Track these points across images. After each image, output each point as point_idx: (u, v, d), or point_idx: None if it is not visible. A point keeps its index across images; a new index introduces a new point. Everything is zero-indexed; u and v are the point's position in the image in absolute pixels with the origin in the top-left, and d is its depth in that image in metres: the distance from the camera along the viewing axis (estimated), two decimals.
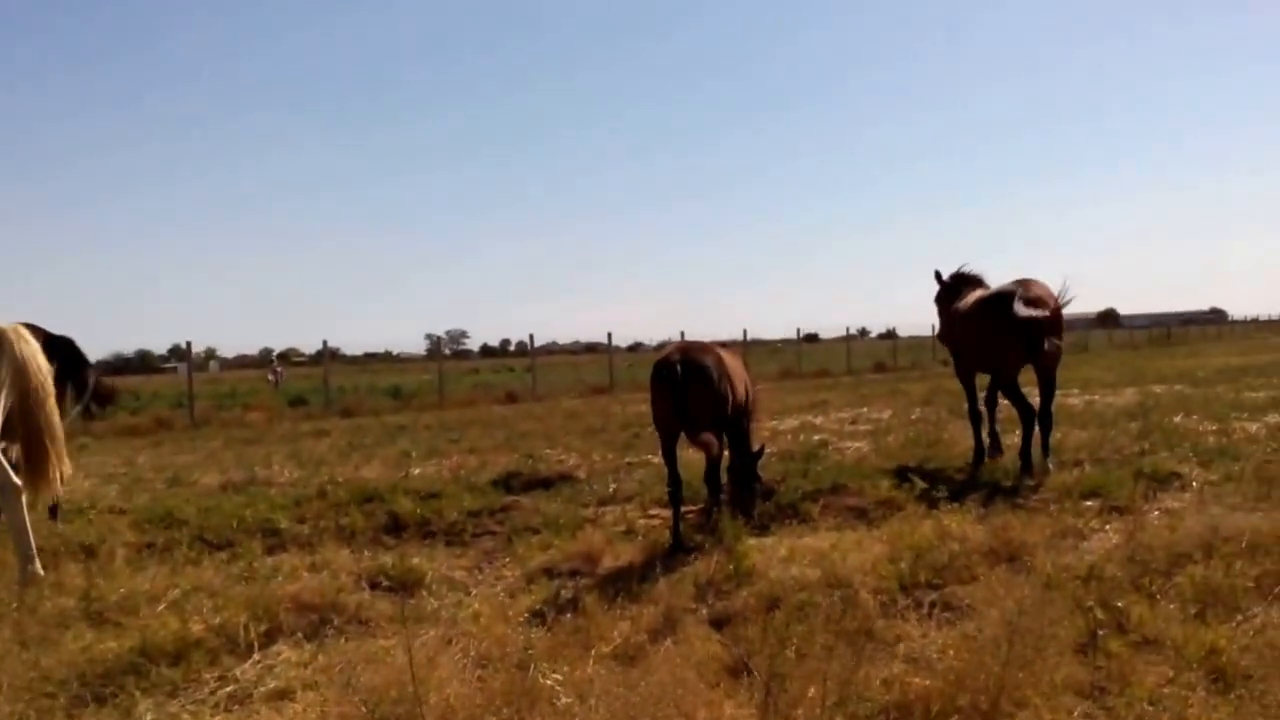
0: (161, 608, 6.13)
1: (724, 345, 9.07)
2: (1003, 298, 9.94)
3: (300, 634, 5.66)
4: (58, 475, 7.09)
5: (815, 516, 8.44)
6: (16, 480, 7.01)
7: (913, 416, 16.71)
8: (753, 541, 7.34)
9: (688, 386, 7.71)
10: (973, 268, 11.53)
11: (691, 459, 8.80)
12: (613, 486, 10.38)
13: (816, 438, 14.11)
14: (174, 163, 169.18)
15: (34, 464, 6.99)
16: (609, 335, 37.76)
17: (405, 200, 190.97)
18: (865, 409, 18.77)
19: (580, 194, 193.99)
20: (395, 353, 74.45)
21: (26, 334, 7.14)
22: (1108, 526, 7.53)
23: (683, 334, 36.81)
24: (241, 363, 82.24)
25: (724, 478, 8.49)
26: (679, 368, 7.75)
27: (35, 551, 7.01)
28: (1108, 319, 67.54)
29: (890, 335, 60.95)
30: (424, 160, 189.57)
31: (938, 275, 11.73)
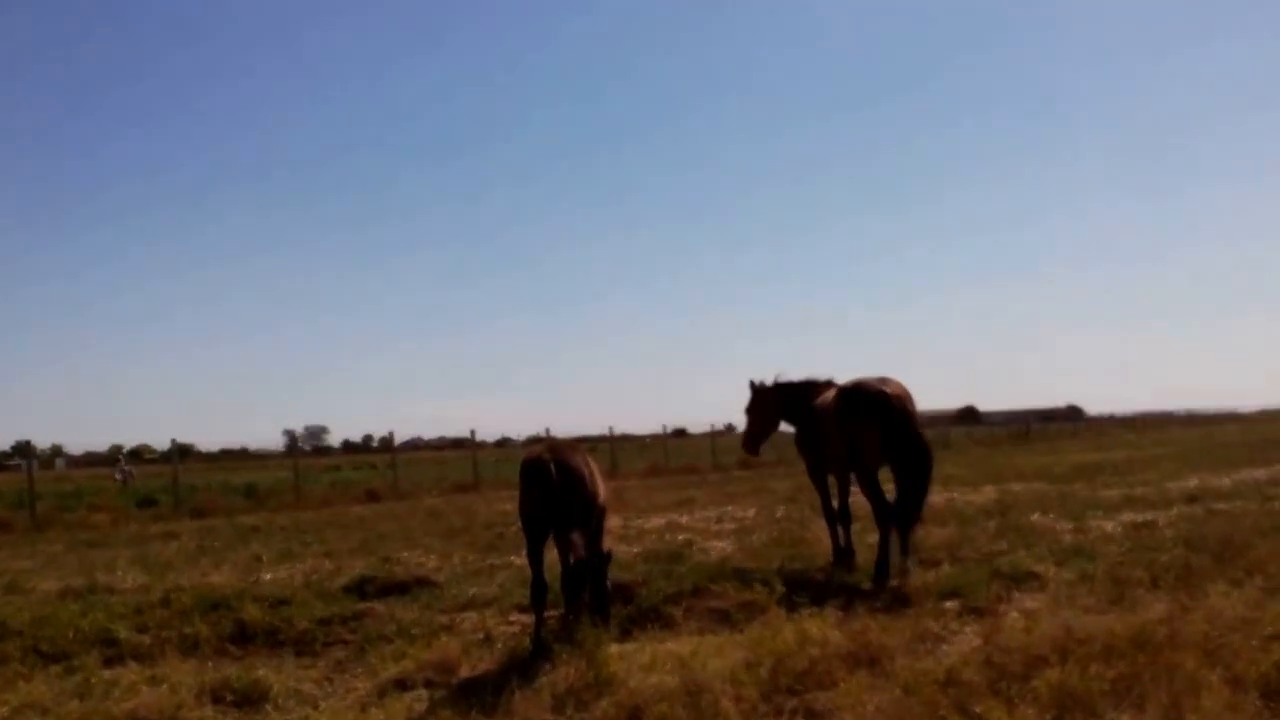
0: None
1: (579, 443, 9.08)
2: (864, 386, 10.09)
3: None
4: None
5: (678, 620, 8.34)
6: None
7: (777, 515, 16.75)
8: (614, 648, 7.23)
9: (560, 487, 7.66)
10: (793, 375, 11.61)
11: (552, 561, 8.67)
12: (472, 591, 10.15)
13: (681, 537, 14.09)
14: (20, 246, 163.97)
15: None
16: (472, 431, 37.43)
17: (263, 291, 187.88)
18: (730, 507, 18.81)
19: (446, 289, 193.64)
20: (252, 449, 72.48)
21: None
22: (966, 628, 7.61)
23: (548, 430, 36.91)
24: (90, 460, 78.91)
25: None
26: (552, 467, 7.69)
27: None
28: (968, 415, 69.53)
29: None
30: (281, 251, 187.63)
31: (753, 385, 11.83)
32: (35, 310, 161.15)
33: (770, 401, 11.69)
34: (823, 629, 7.29)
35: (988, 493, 19.64)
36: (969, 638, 7.27)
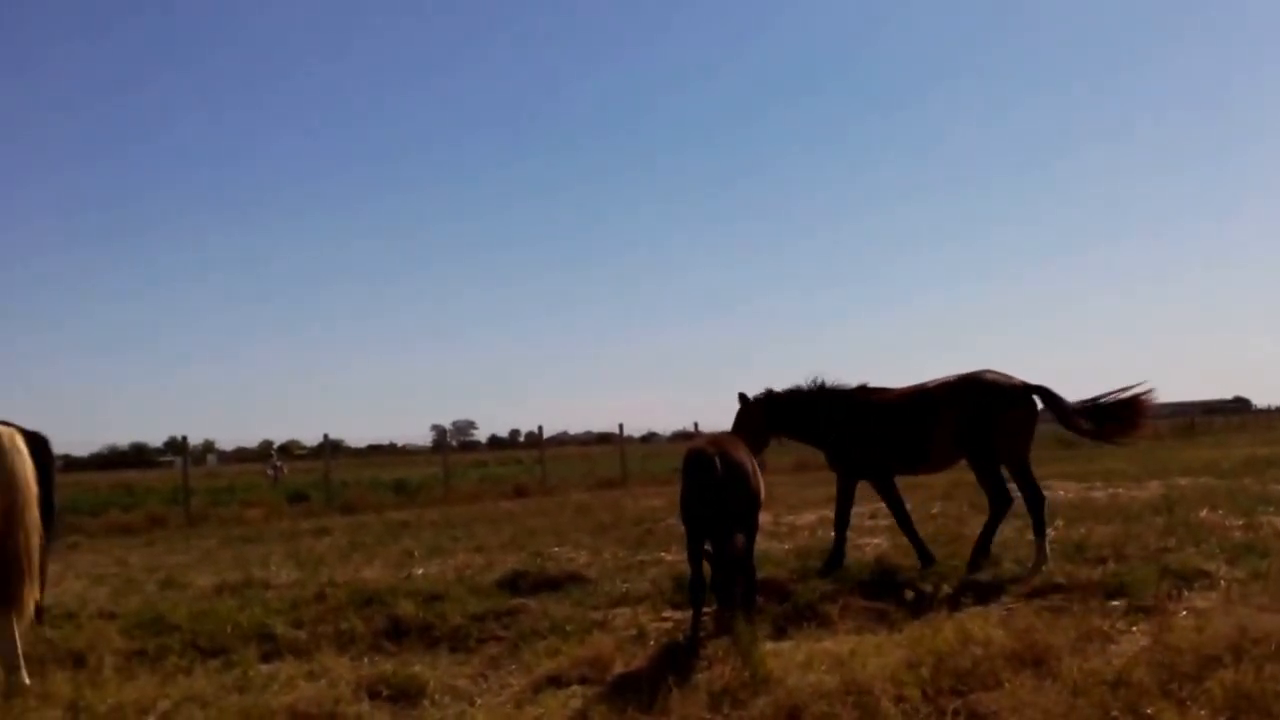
0: (152, 719, 5.90)
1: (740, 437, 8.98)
2: (1004, 375, 10.42)
3: None
4: (30, 600, 6.83)
5: (834, 618, 8.14)
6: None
7: (933, 511, 16.30)
8: (769, 646, 7.09)
9: (724, 482, 7.56)
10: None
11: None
12: (624, 587, 10.10)
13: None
14: (171, 250, 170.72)
15: (6, 584, 6.73)
16: (620, 426, 37.49)
17: (412, 288, 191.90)
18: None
19: (593, 281, 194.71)
20: (400, 444, 74.04)
21: (20, 441, 6.96)
22: (1135, 628, 7.28)
23: (696, 425, 36.82)
24: (240, 456, 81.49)
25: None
26: (717, 461, 7.59)
27: (22, 661, 6.77)
28: None
29: None
30: (430, 251, 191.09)
31: (769, 394, 11.39)
32: (186, 309, 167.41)
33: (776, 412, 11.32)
34: (985, 628, 7.02)
35: (1153, 488, 18.82)
36: (1137, 637, 6.96)
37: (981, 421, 10.22)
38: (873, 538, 13.52)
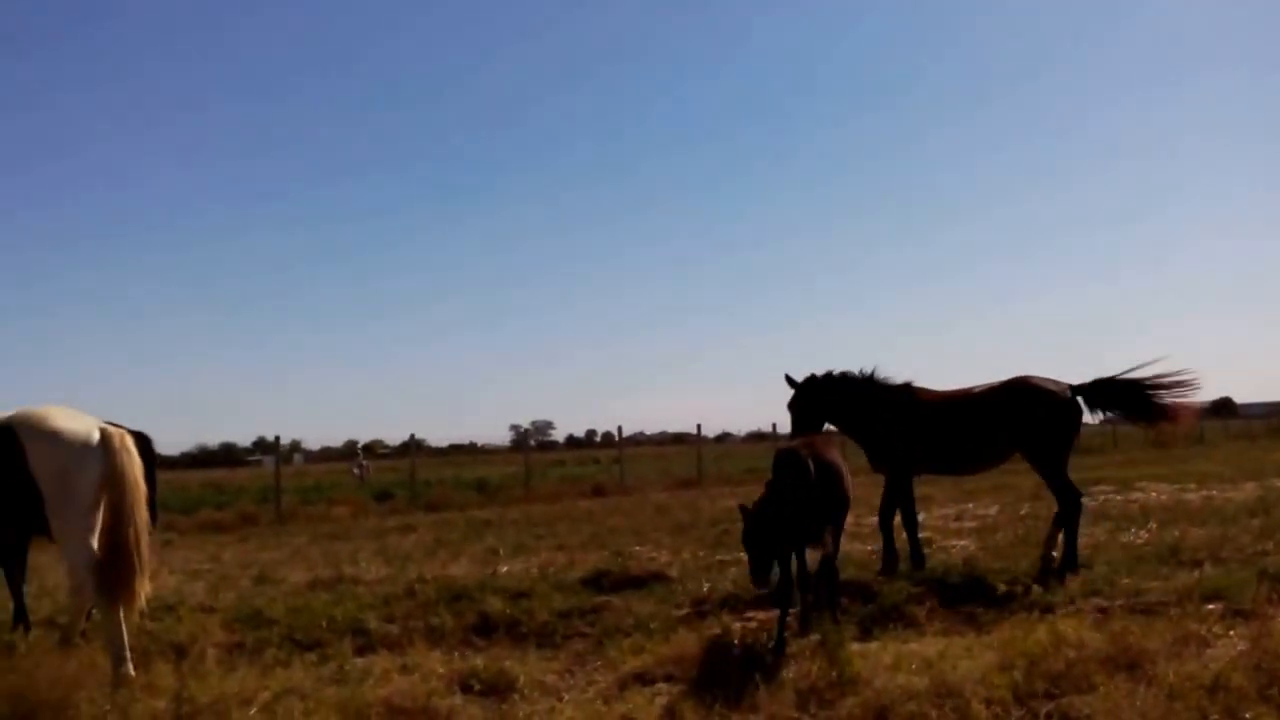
0: (254, 711, 6.06)
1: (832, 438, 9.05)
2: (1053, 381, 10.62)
3: None
4: (140, 595, 7.04)
5: (921, 620, 8.13)
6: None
7: (1021, 513, 16.10)
8: (856, 647, 7.07)
9: (817, 483, 7.62)
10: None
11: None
12: (706, 586, 10.12)
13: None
14: (258, 254, 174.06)
15: (117, 579, 6.95)
16: (698, 427, 37.52)
17: (490, 289, 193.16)
18: (970, 505, 18.09)
19: (670, 285, 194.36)
20: (480, 444, 74.80)
21: (130, 442, 7.19)
22: (1232, 632, 7.13)
23: (774, 426, 36.73)
24: (326, 455, 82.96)
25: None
26: (810, 462, 7.64)
27: (128, 653, 6.98)
28: (1223, 408, 65.27)
29: None
30: (507, 250, 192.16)
31: (827, 376, 11.26)
32: (271, 312, 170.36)
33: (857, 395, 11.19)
34: (1078, 630, 6.93)
35: (1248, 490, 18.43)
36: (1235, 642, 6.83)
37: (1036, 425, 10.29)
38: (959, 539, 13.39)
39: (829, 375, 11.17)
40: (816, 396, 11.17)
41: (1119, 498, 17.92)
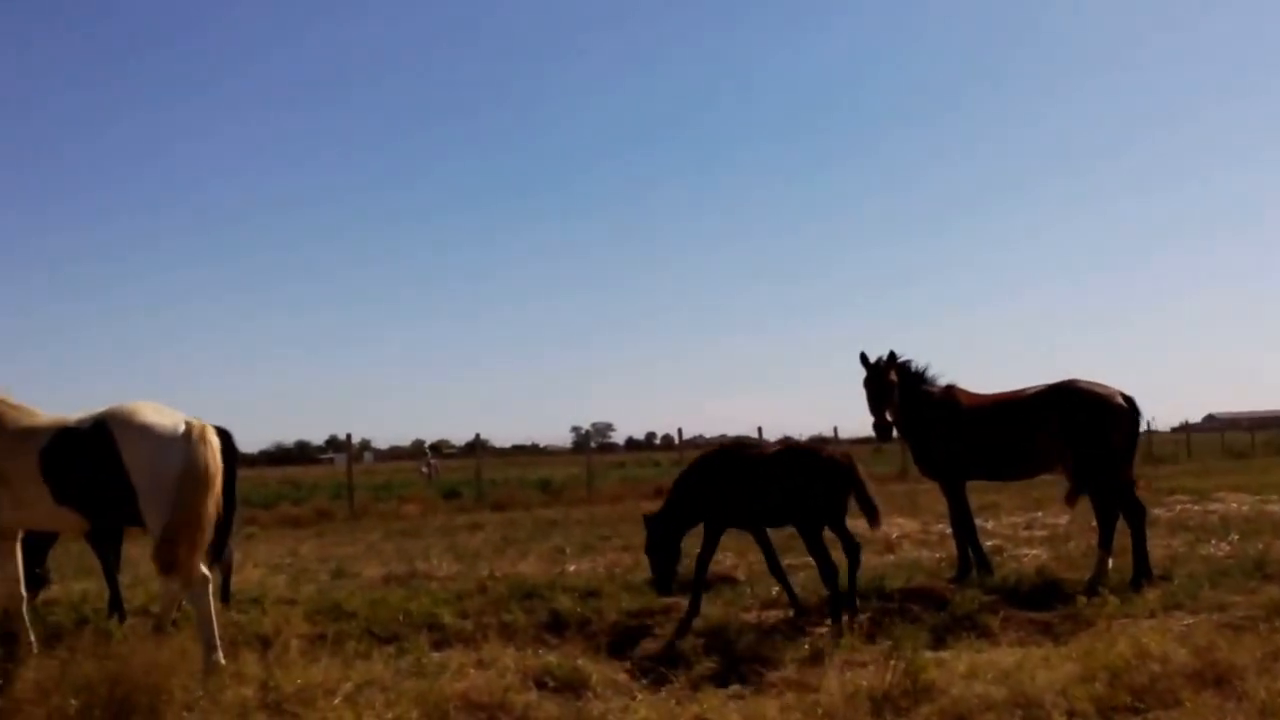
0: (337, 701, 6.15)
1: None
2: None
3: None
4: (192, 569, 7.13)
5: (995, 629, 8.06)
6: (205, 572, 7.20)
7: (1093, 523, 15.77)
8: (929, 655, 7.00)
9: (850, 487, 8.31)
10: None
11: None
12: (774, 589, 10.10)
13: (989, 543, 13.52)
14: (329, 259, 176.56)
15: (169, 552, 7.09)
16: (759, 429, 37.33)
17: (553, 293, 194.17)
18: (1039, 513, 17.82)
19: (732, 287, 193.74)
20: (541, 445, 75.32)
21: (211, 434, 7.35)
22: None
23: (835, 430, 36.59)
24: (395, 454, 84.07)
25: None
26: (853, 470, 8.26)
27: (218, 641, 7.14)
28: None
29: None
30: (569, 253, 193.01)
31: (891, 357, 11.01)
32: (345, 316, 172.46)
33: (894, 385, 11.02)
34: (1162, 643, 6.75)
35: None
36: None
37: (1080, 430, 10.08)
38: (1030, 548, 13.23)
39: (893, 358, 10.98)
40: (891, 377, 10.97)
41: (1196, 508, 17.54)
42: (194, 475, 7.10)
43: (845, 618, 8.09)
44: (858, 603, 8.49)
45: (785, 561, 9.47)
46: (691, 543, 9.16)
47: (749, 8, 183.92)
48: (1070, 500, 10.48)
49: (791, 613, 9.00)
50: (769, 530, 9.22)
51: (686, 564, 9.19)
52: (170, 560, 7.03)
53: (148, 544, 7.41)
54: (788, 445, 9.55)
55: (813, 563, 8.56)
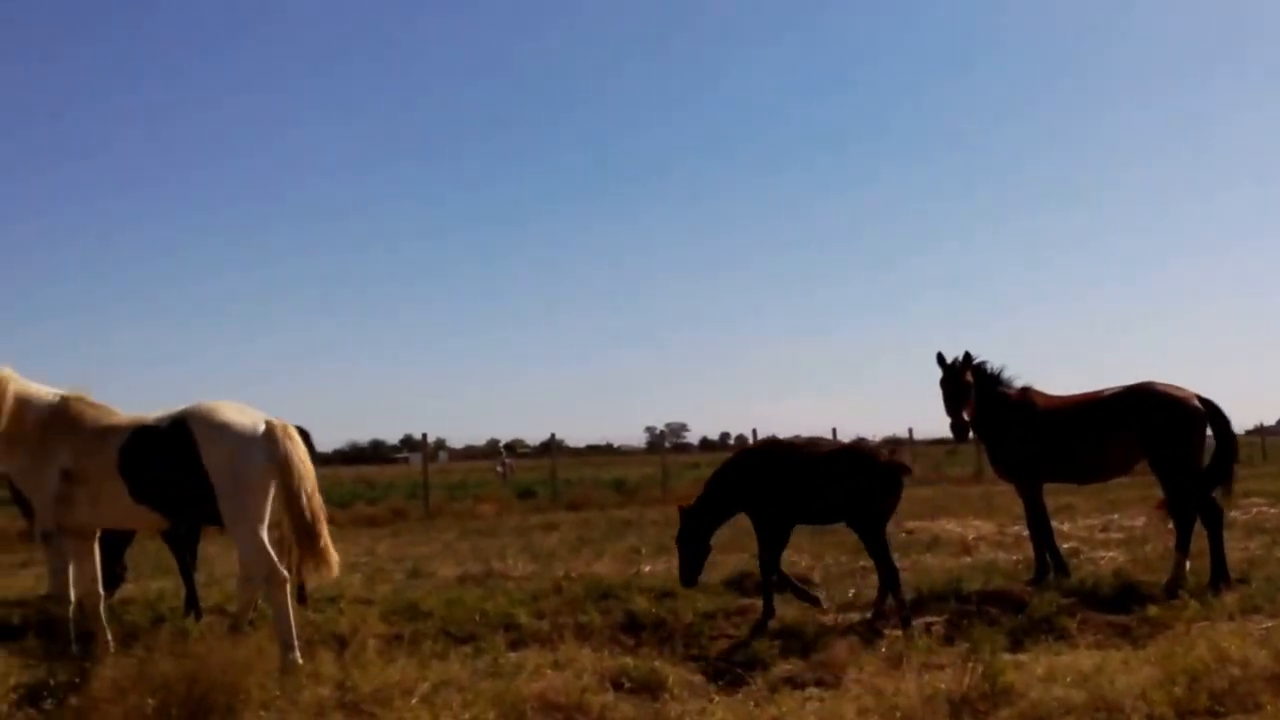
0: (414, 701, 6.24)
1: None
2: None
3: None
4: (330, 555, 7.48)
5: (1073, 632, 7.98)
6: (283, 571, 7.36)
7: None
8: (1007, 658, 6.98)
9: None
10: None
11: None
12: (850, 592, 10.10)
13: (1065, 545, 13.34)
14: (414, 256, 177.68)
15: (305, 549, 7.46)
16: (833, 430, 37.05)
17: (629, 294, 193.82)
18: (1115, 515, 17.50)
19: (806, 288, 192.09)
20: (616, 445, 75.34)
21: (293, 431, 7.52)
22: None
23: (910, 431, 36.23)
24: (469, 454, 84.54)
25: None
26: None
27: (295, 640, 7.28)
28: None
29: None
30: (644, 254, 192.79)
31: (967, 358, 10.84)
32: (416, 315, 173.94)
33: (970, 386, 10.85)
34: (1242, 647, 6.66)
35: None
36: None
37: (1156, 433, 9.99)
38: (1106, 550, 13.07)
39: (969, 359, 10.86)
40: (969, 378, 10.83)
41: (1272, 511, 17.19)
42: (286, 473, 7.28)
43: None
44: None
45: (859, 563, 9.46)
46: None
47: (821, 14, 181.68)
48: (1164, 509, 10.39)
49: (870, 615, 9.00)
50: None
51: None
52: (305, 556, 7.37)
53: (224, 542, 7.59)
54: (839, 446, 9.70)
55: (899, 564, 8.66)
